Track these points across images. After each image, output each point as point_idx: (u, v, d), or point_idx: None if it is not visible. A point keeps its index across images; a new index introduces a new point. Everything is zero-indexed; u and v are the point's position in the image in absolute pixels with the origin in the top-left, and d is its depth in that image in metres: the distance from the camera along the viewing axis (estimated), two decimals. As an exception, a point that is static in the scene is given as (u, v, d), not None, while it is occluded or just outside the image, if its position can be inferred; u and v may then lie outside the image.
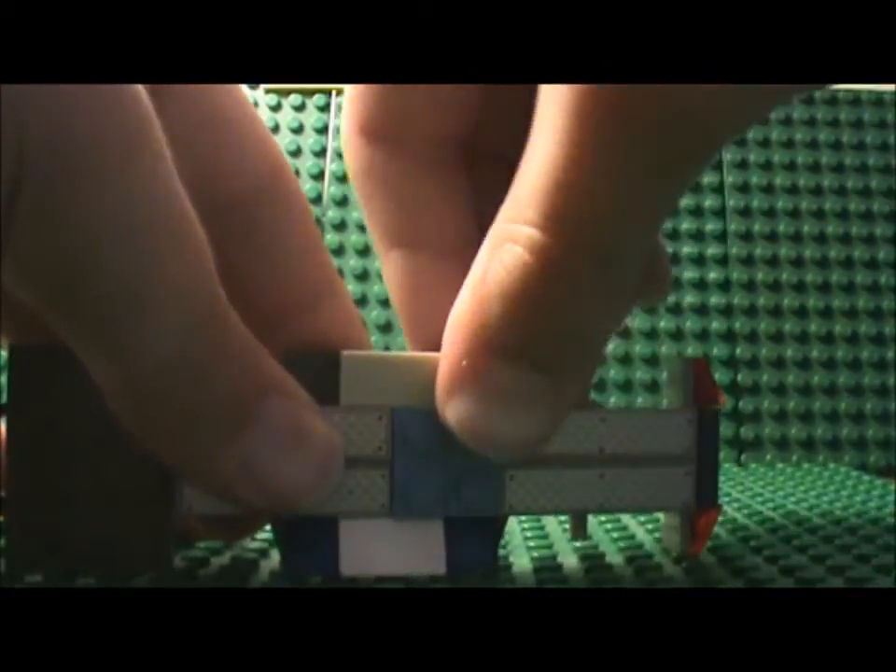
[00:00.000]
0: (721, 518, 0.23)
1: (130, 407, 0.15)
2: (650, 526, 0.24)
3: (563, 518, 0.25)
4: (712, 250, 0.46)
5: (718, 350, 0.45)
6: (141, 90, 0.14)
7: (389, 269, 0.19)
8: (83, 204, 0.13)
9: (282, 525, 0.17)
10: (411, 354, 0.18)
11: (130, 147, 0.13)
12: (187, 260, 0.14)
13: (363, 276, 0.45)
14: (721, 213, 0.47)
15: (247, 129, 0.18)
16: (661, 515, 0.24)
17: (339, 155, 0.48)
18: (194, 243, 0.14)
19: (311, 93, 0.49)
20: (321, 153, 0.48)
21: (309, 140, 0.48)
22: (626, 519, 0.25)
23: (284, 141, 0.48)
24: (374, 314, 0.45)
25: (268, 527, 0.20)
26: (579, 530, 0.20)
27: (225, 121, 0.18)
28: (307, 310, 0.18)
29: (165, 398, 0.14)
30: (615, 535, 0.23)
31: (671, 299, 0.45)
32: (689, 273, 0.46)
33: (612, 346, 0.44)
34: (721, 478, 0.20)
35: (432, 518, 0.17)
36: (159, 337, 0.14)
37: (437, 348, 0.16)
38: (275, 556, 0.20)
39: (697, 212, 0.47)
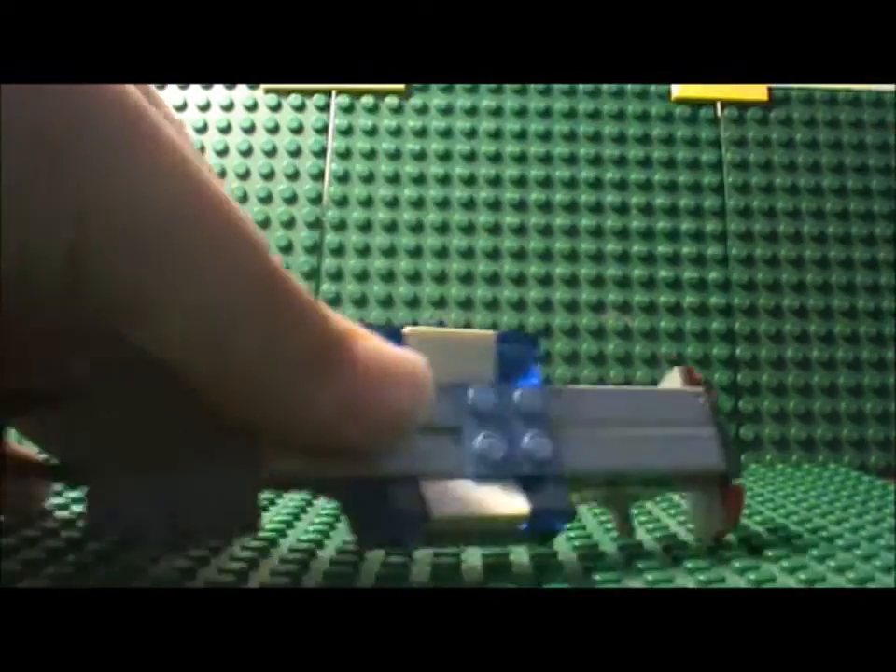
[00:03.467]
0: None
1: (229, 389, 0.15)
2: (650, 526, 0.24)
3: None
4: (712, 250, 0.46)
5: (718, 350, 0.45)
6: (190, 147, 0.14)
7: None
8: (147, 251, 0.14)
9: (360, 495, 0.17)
10: (466, 331, 0.19)
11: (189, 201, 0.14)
12: (242, 250, 0.15)
13: (363, 276, 0.45)
14: (721, 213, 0.47)
15: None
16: (682, 504, 0.24)
17: (339, 155, 0.48)
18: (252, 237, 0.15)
19: (311, 93, 0.49)
20: (321, 153, 0.48)
21: (309, 140, 0.48)
22: (627, 519, 0.25)
23: (284, 141, 0.48)
24: (374, 314, 0.45)
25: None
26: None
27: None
28: None
29: (257, 362, 0.15)
30: (615, 534, 0.23)
31: (671, 298, 0.45)
32: (689, 273, 0.46)
33: (612, 346, 0.44)
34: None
35: (504, 477, 0.18)
36: (231, 307, 0.14)
37: None
38: (275, 556, 0.20)
39: (697, 212, 0.47)
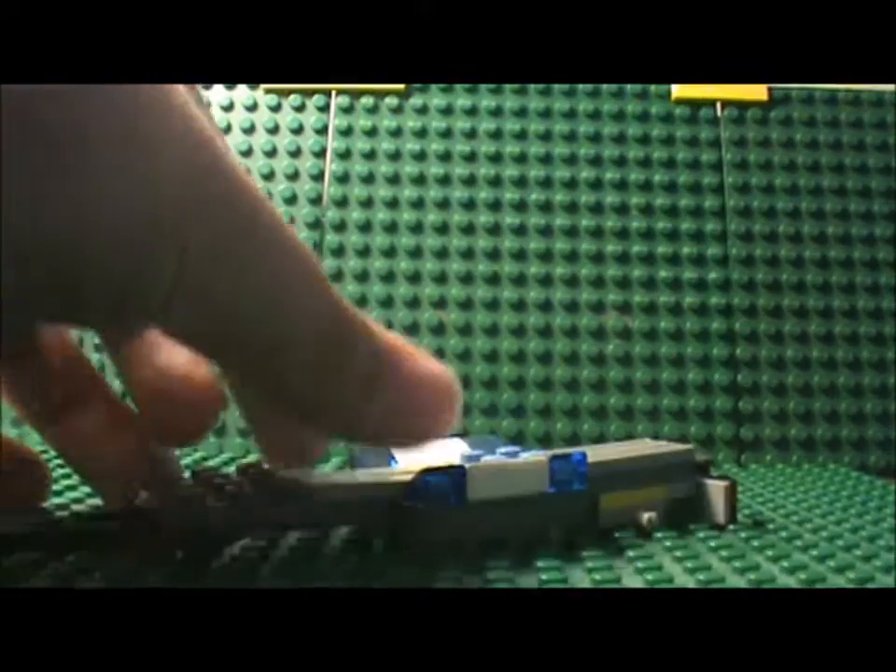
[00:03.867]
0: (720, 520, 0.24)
1: (292, 405, 0.17)
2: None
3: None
4: (712, 250, 0.46)
5: (718, 350, 0.45)
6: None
7: None
8: (234, 283, 0.15)
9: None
10: (521, 459, 0.23)
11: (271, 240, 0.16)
12: (314, 287, 0.16)
13: (363, 277, 0.45)
14: (721, 213, 0.47)
15: None
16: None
17: (339, 155, 0.48)
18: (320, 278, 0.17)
19: (311, 93, 0.49)
20: (321, 153, 0.48)
21: (309, 140, 0.48)
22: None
23: (284, 141, 0.48)
24: (374, 314, 0.45)
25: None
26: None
27: None
28: None
29: (318, 382, 0.17)
30: (615, 534, 0.23)
31: (671, 298, 0.45)
32: (689, 274, 0.46)
33: (612, 346, 0.44)
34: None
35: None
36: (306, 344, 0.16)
37: None
38: (275, 557, 0.20)
39: (697, 212, 0.47)
